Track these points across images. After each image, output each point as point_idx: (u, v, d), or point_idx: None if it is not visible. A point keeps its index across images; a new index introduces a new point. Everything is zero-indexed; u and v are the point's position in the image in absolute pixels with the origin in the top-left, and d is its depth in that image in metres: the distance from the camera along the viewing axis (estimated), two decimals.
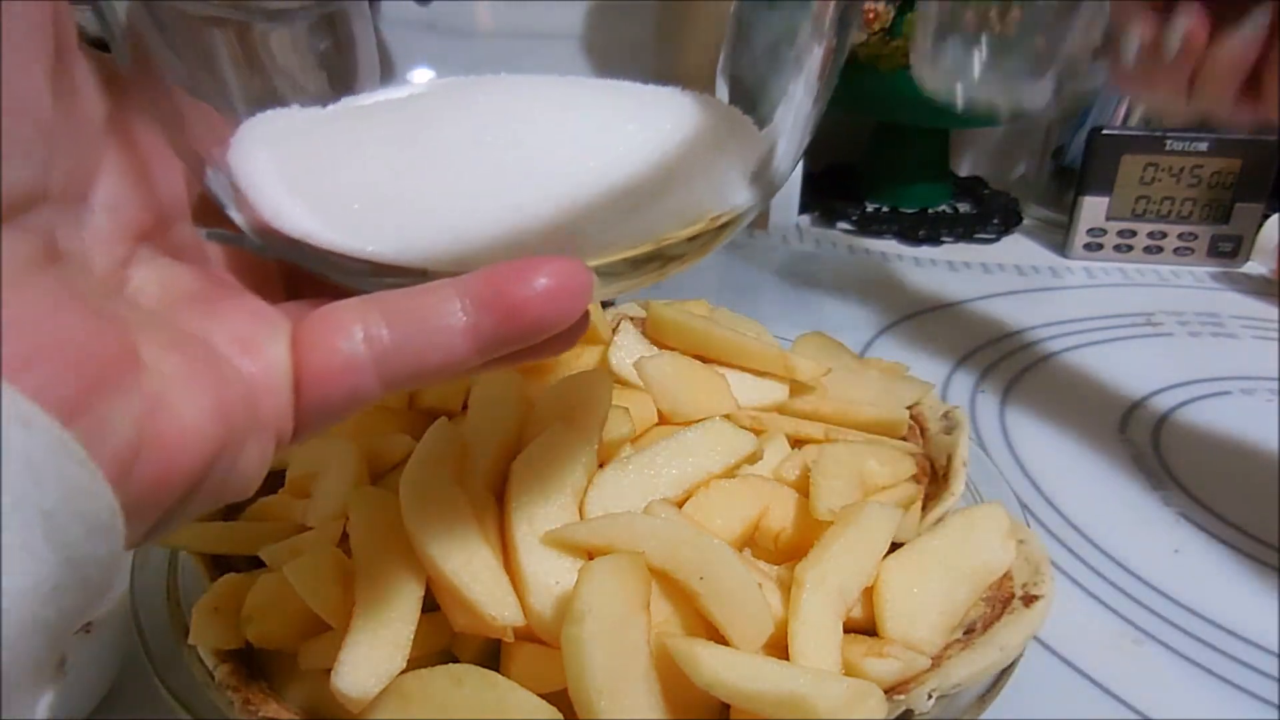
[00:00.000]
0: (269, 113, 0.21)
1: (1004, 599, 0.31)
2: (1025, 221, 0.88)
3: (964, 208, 0.89)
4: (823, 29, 0.22)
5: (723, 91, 0.23)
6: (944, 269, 0.78)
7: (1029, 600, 0.31)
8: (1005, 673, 0.29)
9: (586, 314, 0.20)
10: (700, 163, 0.22)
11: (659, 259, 0.22)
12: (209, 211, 0.21)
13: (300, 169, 0.21)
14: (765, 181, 0.24)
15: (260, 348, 0.18)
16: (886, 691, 0.27)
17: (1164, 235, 0.80)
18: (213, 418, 0.16)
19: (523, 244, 0.20)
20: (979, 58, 0.53)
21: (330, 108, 0.22)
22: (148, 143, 0.19)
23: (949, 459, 0.38)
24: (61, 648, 0.14)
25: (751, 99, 0.23)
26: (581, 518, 0.30)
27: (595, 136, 0.21)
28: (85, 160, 0.18)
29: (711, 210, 0.22)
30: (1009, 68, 0.52)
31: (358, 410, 0.19)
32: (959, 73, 0.52)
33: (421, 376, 0.19)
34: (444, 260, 0.20)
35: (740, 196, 0.23)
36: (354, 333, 0.18)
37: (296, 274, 0.23)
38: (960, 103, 0.54)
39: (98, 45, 0.19)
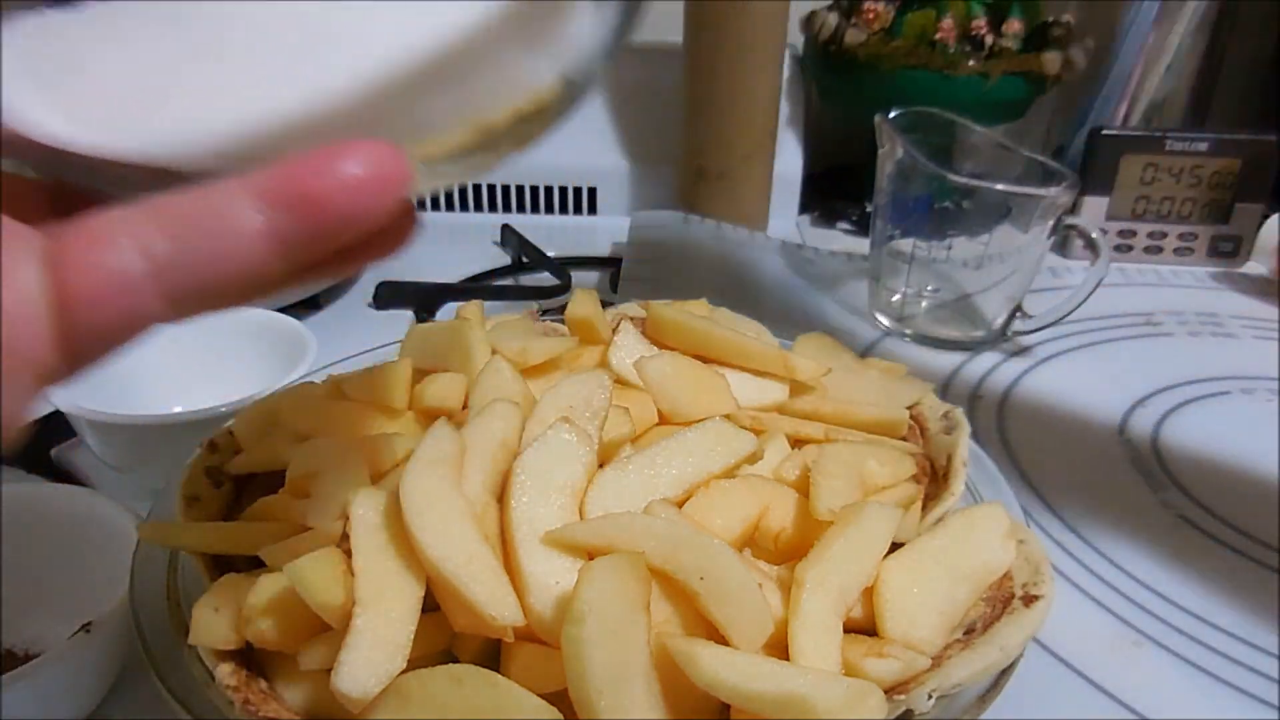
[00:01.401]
0: (16, 18, 0.18)
1: (1004, 599, 0.31)
2: None
3: (965, 205, 0.89)
4: None
5: None
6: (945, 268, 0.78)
7: (1029, 600, 0.31)
8: (1005, 673, 0.29)
9: (411, 210, 0.18)
10: (511, 31, 0.20)
11: (480, 145, 0.20)
12: None
13: (52, 65, 0.18)
14: (587, 55, 0.22)
15: (14, 272, 0.15)
16: (886, 691, 0.26)
17: (1164, 235, 0.80)
18: None
19: (321, 134, 0.18)
20: None
21: (82, 6, 0.19)
22: None
23: (949, 459, 0.38)
24: None
25: None
26: (581, 518, 0.30)
27: (392, 11, 0.19)
28: None
29: (529, 85, 0.21)
30: None
31: (139, 335, 0.17)
32: None
33: (217, 291, 0.16)
34: (233, 158, 0.18)
35: (559, 70, 0.21)
36: (122, 244, 0.16)
37: (68, 195, 0.20)
38: None
39: None
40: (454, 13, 0.19)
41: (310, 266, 0.17)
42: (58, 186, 0.20)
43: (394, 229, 0.18)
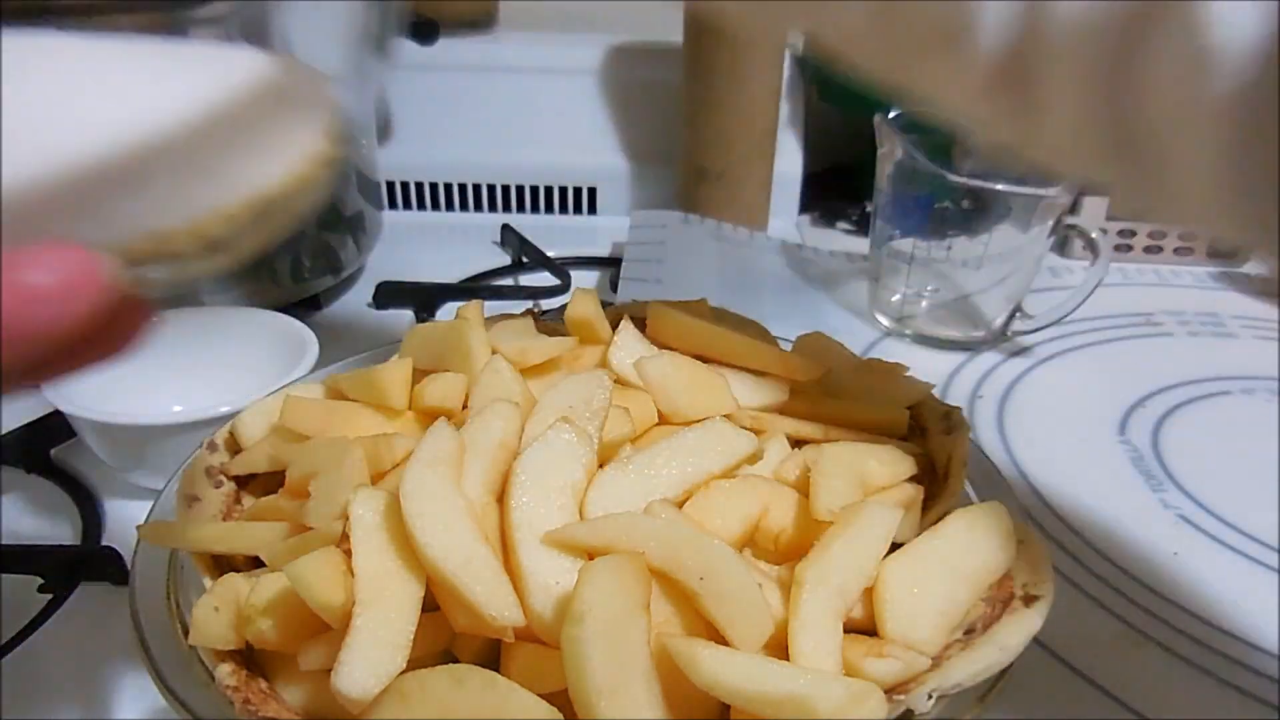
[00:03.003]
0: None
1: (1004, 599, 0.31)
2: None
3: (965, 205, 0.89)
4: None
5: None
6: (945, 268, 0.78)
7: (1029, 600, 0.31)
8: (1005, 673, 0.29)
9: (136, 306, 0.17)
10: (245, 122, 0.19)
11: (210, 243, 0.19)
12: None
13: None
14: (341, 136, 0.21)
15: None
16: (886, 691, 0.26)
17: (1164, 235, 0.80)
18: None
19: (23, 222, 0.16)
20: None
21: None
22: None
23: (949, 459, 0.38)
24: None
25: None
26: (581, 518, 0.30)
27: (106, 99, 0.18)
28: None
29: (265, 177, 0.20)
30: None
31: None
32: None
33: None
34: None
35: (307, 148, 0.20)
36: None
37: None
38: None
39: None
40: (182, 103, 0.18)
41: (19, 372, 0.16)
42: None
43: (114, 330, 0.17)
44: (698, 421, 0.34)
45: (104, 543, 0.47)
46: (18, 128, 0.17)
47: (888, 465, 0.36)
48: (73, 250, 0.15)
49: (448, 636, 0.29)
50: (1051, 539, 0.46)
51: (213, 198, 0.19)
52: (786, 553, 0.32)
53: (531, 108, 0.90)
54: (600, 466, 0.32)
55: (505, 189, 0.91)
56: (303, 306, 0.66)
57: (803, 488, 0.33)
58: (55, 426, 0.53)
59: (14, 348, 0.15)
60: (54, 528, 0.49)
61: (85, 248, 0.16)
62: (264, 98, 0.20)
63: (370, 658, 0.26)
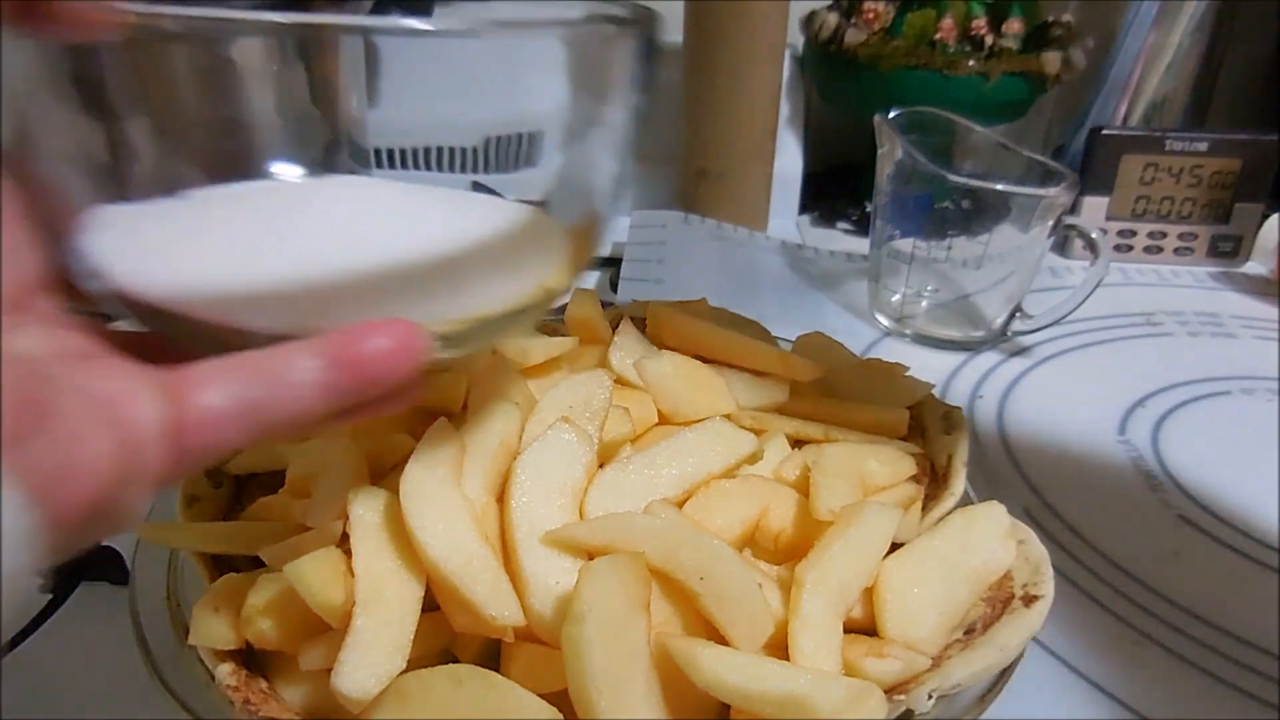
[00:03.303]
0: (110, 206, 0.23)
1: (1004, 599, 0.31)
2: None
3: (965, 205, 0.89)
4: (615, 126, 0.27)
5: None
6: (945, 268, 0.78)
7: (1029, 600, 0.31)
8: (1005, 673, 0.29)
9: (421, 376, 0.23)
10: (503, 256, 0.26)
11: (487, 329, 0.26)
12: (68, 287, 0.23)
13: (154, 242, 0.23)
14: (570, 265, 0.28)
15: (139, 400, 0.20)
16: (886, 691, 0.27)
17: (1164, 235, 0.80)
18: (110, 457, 0.19)
19: (359, 314, 0.23)
20: None
21: (175, 199, 0.24)
22: (23, 219, 0.22)
23: (949, 459, 0.38)
24: None
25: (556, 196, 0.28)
26: (581, 518, 0.30)
27: (422, 233, 0.25)
28: None
29: (527, 291, 0.26)
30: None
31: (221, 459, 0.22)
32: None
33: (277, 428, 0.21)
34: (289, 325, 0.22)
35: (544, 279, 0.27)
36: (220, 389, 0.20)
37: (148, 344, 0.25)
38: None
39: None
40: (467, 234, 0.25)
41: (341, 414, 0.22)
42: (145, 339, 0.25)
43: (406, 388, 0.22)
44: (698, 421, 0.34)
45: (104, 543, 0.47)
46: (366, 242, 0.24)
47: (888, 465, 0.36)
48: (406, 324, 0.22)
49: (448, 636, 0.29)
50: (1051, 539, 0.46)
51: (479, 304, 0.25)
52: (786, 553, 0.32)
53: None
54: (600, 466, 0.32)
55: None
56: None
57: (803, 488, 0.33)
58: None
59: (355, 387, 0.21)
60: None
61: (412, 323, 0.22)
62: (520, 236, 0.27)
63: (370, 658, 0.26)
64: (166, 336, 0.24)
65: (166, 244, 0.23)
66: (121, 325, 0.24)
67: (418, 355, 0.22)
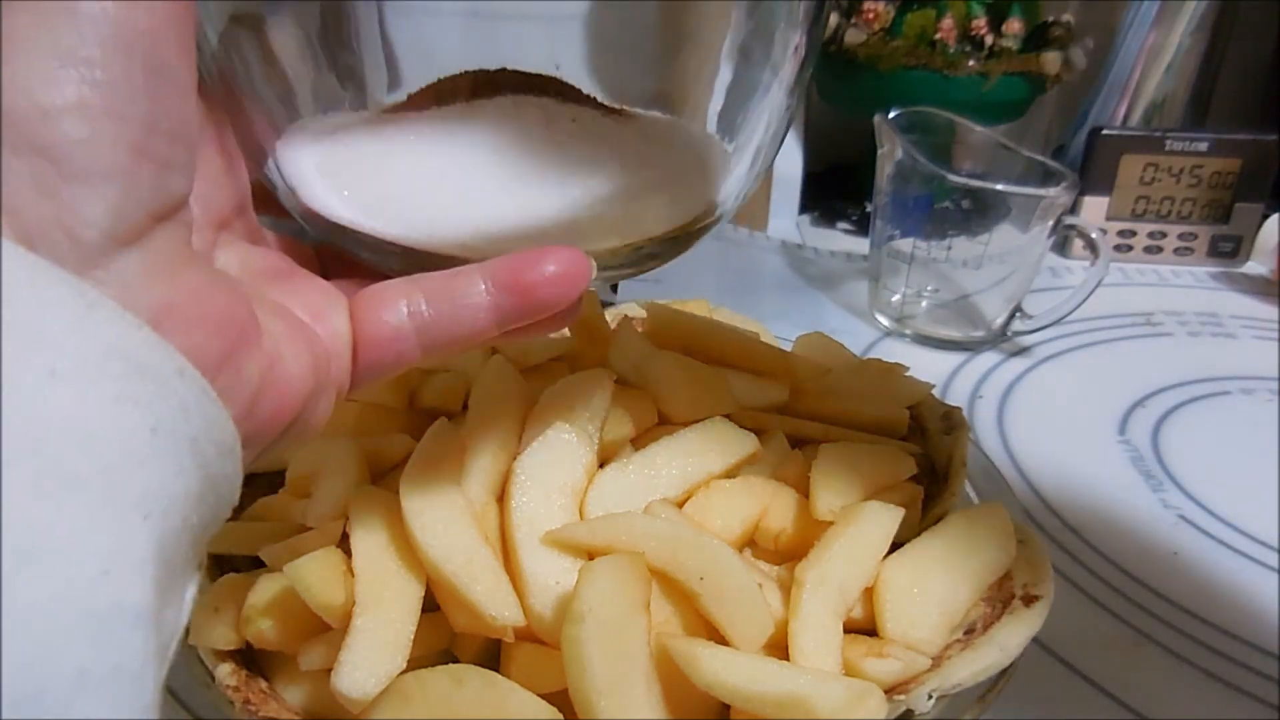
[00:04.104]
0: (313, 118, 0.25)
1: (1004, 599, 0.31)
2: None
3: (965, 205, 0.90)
4: (788, 47, 0.26)
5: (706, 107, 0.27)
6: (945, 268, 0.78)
7: (1029, 600, 0.31)
8: (1005, 673, 0.29)
9: (582, 295, 0.24)
10: (672, 179, 0.27)
11: (643, 255, 0.27)
12: (264, 201, 0.25)
13: (345, 169, 0.25)
14: (733, 192, 0.28)
15: (328, 317, 0.22)
16: (886, 691, 0.27)
17: (1164, 235, 0.80)
18: (308, 371, 0.20)
19: (530, 238, 0.24)
20: None
21: (360, 114, 0.25)
22: (226, 144, 0.23)
23: (949, 459, 0.38)
24: (201, 550, 0.18)
25: (724, 121, 0.27)
26: (581, 518, 0.30)
27: (589, 154, 0.26)
28: (191, 158, 0.20)
29: (685, 217, 0.27)
30: None
31: (401, 370, 0.23)
32: None
33: (454, 344, 0.22)
34: (465, 248, 0.24)
35: (707, 206, 0.28)
36: (400, 307, 0.22)
37: (330, 259, 0.27)
38: None
39: None
40: (628, 164, 0.26)
41: (509, 332, 0.23)
42: (325, 252, 0.27)
43: (569, 310, 0.24)
44: (698, 421, 0.34)
45: None
46: (545, 172, 0.25)
47: (888, 465, 0.36)
48: (573, 251, 0.23)
49: (448, 636, 0.29)
50: (1051, 539, 0.46)
51: (654, 228, 0.26)
52: (786, 553, 0.32)
53: None
54: (600, 466, 0.32)
55: None
56: None
57: (803, 488, 0.33)
58: None
59: (524, 310, 0.22)
60: None
61: (579, 250, 0.23)
62: (683, 156, 0.27)
63: (370, 658, 0.26)
64: (352, 252, 0.25)
65: (353, 169, 0.25)
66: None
67: (582, 281, 0.23)
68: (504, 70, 0.25)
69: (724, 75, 0.26)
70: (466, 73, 0.25)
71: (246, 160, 0.24)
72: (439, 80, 0.25)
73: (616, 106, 0.26)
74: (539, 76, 0.25)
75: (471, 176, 0.25)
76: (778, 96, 0.27)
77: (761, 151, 0.28)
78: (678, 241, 0.28)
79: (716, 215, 0.28)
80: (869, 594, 0.30)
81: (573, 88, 0.26)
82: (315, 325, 0.21)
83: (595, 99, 0.26)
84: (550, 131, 0.25)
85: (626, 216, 0.26)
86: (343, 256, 0.26)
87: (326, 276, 0.25)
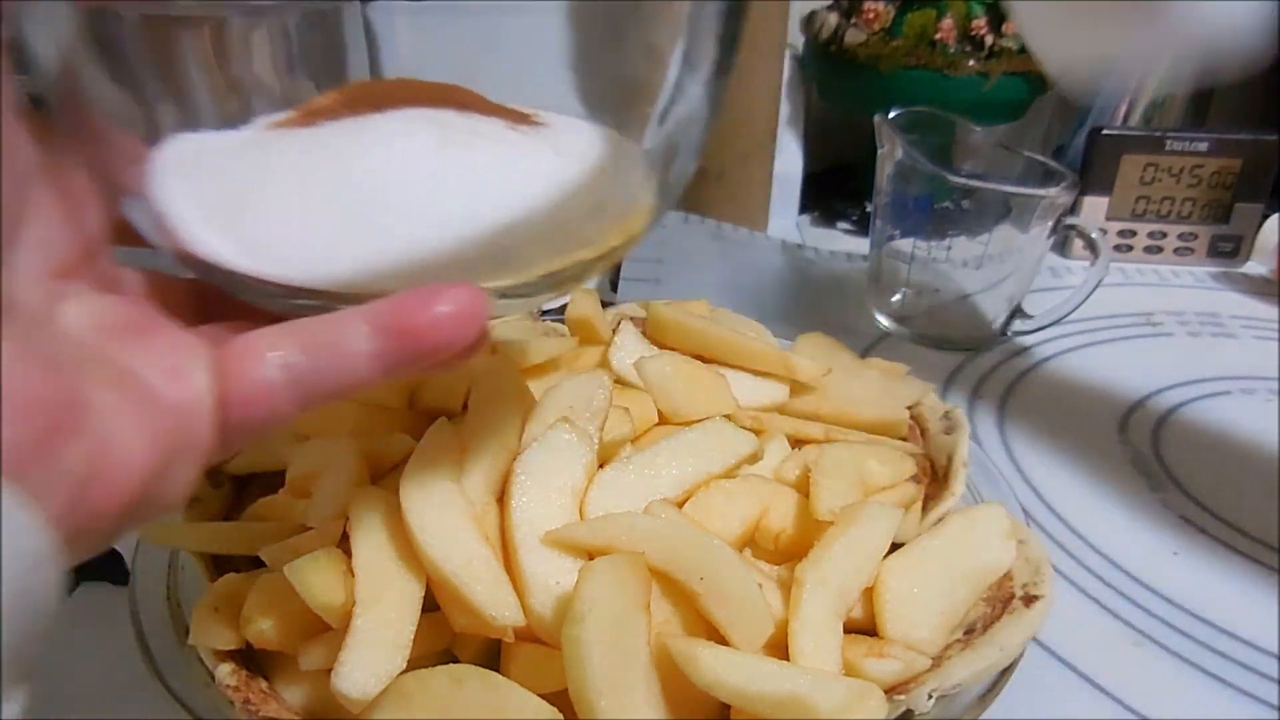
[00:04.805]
0: (181, 139, 0.22)
1: (1004, 599, 0.31)
2: None
3: (965, 205, 0.90)
4: (708, 43, 0.24)
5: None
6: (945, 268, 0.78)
7: (1029, 600, 0.31)
8: (1005, 673, 0.29)
9: (485, 329, 0.22)
10: (587, 197, 0.24)
11: (555, 280, 0.25)
12: (126, 236, 0.23)
13: (218, 198, 0.22)
14: (655, 205, 0.26)
15: (187, 376, 0.19)
16: (886, 691, 0.27)
17: (1164, 235, 0.80)
18: (149, 448, 0.18)
19: (422, 273, 0.22)
20: None
21: (238, 133, 0.23)
22: (72, 182, 0.21)
23: (949, 459, 0.38)
24: (24, 664, 0.16)
25: (639, 122, 0.25)
26: (581, 518, 0.30)
27: (488, 175, 0.23)
28: (16, 203, 0.19)
29: (601, 235, 0.25)
30: None
31: (274, 429, 0.21)
32: None
33: (332, 396, 0.21)
34: (351, 285, 0.22)
35: (627, 223, 0.25)
36: (271, 360, 0.20)
37: (207, 296, 0.25)
38: None
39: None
40: (536, 185, 0.23)
41: (398, 375, 0.21)
42: (201, 289, 0.24)
43: (466, 350, 0.22)
44: (698, 421, 0.34)
45: None
46: (440, 196, 0.22)
47: (888, 465, 0.36)
48: (468, 289, 0.21)
49: (448, 636, 0.29)
50: (1051, 539, 0.46)
51: (565, 252, 0.24)
52: (786, 553, 0.32)
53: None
54: (600, 466, 0.32)
55: None
56: None
57: (803, 488, 0.33)
58: None
59: (413, 357, 0.20)
60: None
61: (475, 287, 0.21)
62: (601, 169, 0.24)
63: (370, 658, 0.26)
64: (231, 292, 0.23)
65: (227, 198, 0.23)
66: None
67: (477, 322, 0.21)
68: (399, 81, 0.23)
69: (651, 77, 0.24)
70: (357, 84, 0.23)
71: (101, 194, 0.22)
72: (326, 93, 0.23)
73: (526, 112, 0.24)
74: (438, 86, 0.23)
75: (356, 205, 0.22)
76: (698, 100, 0.25)
77: (683, 161, 0.26)
78: (592, 264, 0.25)
79: (632, 235, 0.26)
80: (869, 594, 0.30)
81: (475, 97, 0.23)
82: (170, 387, 0.19)
83: (502, 107, 0.24)
84: (444, 151, 0.23)
85: (528, 246, 0.23)
86: (221, 295, 0.24)
87: (207, 318, 0.23)
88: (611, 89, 0.25)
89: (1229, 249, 0.79)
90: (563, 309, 0.43)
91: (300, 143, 0.23)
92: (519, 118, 0.24)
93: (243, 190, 0.23)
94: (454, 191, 0.23)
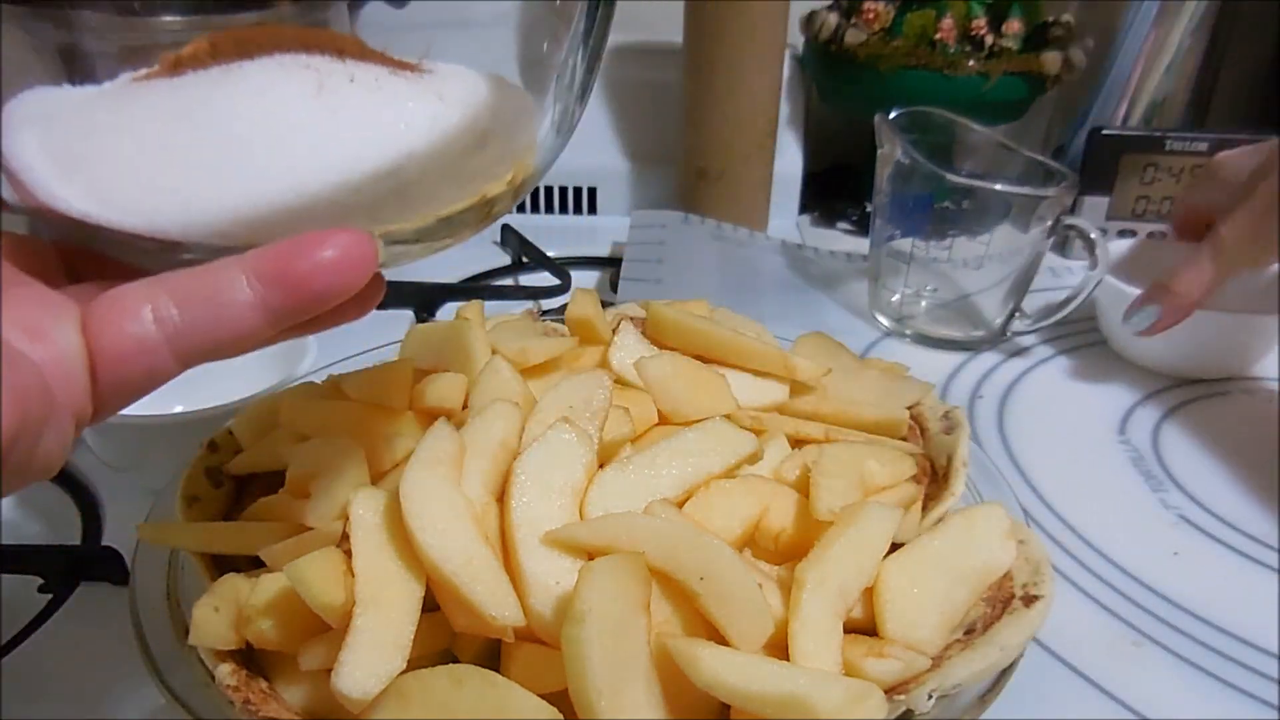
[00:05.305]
0: (35, 91, 0.21)
1: (1004, 599, 0.31)
2: None
3: (965, 205, 0.89)
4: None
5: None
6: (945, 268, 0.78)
7: (1029, 600, 0.31)
8: (1005, 673, 0.29)
9: (379, 278, 0.22)
10: (472, 142, 0.23)
11: (447, 226, 0.24)
12: None
13: (74, 149, 0.21)
14: (540, 151, 0.26)
15: (49, 334, 0.18)
16: (886, 692, 0.26)
17: (1164, 235, 0.80)
18: (10, 410, 0.17)
19: (306, 222, 0.21)
20: None
21: (98, 87, 0.22)
22: None
23: (949, 459, 0.38)
24: None
25: (528, 75, 0.25)
26: (582, 518, 0.30)
27: (368, 119, 0.22)
28: None
29: (484, 183, 0.24)
30: None
31: (157, 387, 0.20)
32: None
33: (217, 351, 0.20)
34: (230, 235, 0.21)
35: (514, 169, 0.25)
36: (144, 314, 0.19)
37: (77, 257, 0.23)
38: None
39: None
40: (419, 128, 0.22)
41: (291, 328, 0.21)
42: (70, 250, 0.23)
43: (363, 295, 0.21)
44: (698, 421, 0.34)
45: (104, 543, 0.47)
46: (318, 141, 0.21)
47: (888, 465, 0.36)
48: (353, 233, 0.20)
49: (448, 636, 0.29)
50: (1051, 539, 0.46)
51: (454, 197, 0.23)
52: (786, 553, 0.32)
53: None
54: (600, 466, 0.32)
55: None
56: None
57: (803, 488, 0.33)
58: None
59: (299, 305, 0.20)
60: (54, 528, 0.49)
61: (362, 231, 0.20)
62: (488, 114, 0.24)
63: (370, 658, 0.26)
64: (97, 250, 0.22)
65: (84, 148, 0.21)
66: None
67: (366, 265, 0.20)
68: (270, 27, 0.22)
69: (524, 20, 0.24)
70: (225, 31, 0.22)
71: None
72: (192, 41, 0.21)
73: (409, 62, 0.23)
74: (311, 31, 0.22)
75: (230, 151, 0.21)
76: (575, 50, 0.25)
77: (569, 111, 0.25)
78: (477, 210, 0.24)
79: (521, 180, 0.25)
80: (869, 594, 0.30)
81: (354, 41, 0.23)
82: (34, 346, 0.18)
83: (383, 55, 0.23)
84: (323, 95, 0.21)
85: (411, 193, 0.23)
86: (92, 255, 0.22)
87: (76, 279, 0.22)
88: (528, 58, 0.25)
89: None
90: (563, 309, 0.43)
91: (166, 92, 0.21)
92: (401, 65, 0.23)
93: (106, 142, 0.21)
94: (333, 135, 0.22)
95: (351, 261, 0.20)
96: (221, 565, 0.32)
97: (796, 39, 0.87)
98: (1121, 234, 0.80)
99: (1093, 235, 0.60)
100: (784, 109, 0.85)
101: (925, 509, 0.36)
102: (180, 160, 0.21)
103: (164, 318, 0.19)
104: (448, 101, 0.23)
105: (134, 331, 0.19)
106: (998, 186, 0.60)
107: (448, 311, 0.70)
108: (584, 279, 0.78)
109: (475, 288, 0.76)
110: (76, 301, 0.19)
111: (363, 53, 0.23)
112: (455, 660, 0.28)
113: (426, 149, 0.22)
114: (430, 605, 0.28)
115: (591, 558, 0.28)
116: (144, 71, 0.22)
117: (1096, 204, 0.79)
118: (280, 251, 0.19)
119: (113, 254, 0.22)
